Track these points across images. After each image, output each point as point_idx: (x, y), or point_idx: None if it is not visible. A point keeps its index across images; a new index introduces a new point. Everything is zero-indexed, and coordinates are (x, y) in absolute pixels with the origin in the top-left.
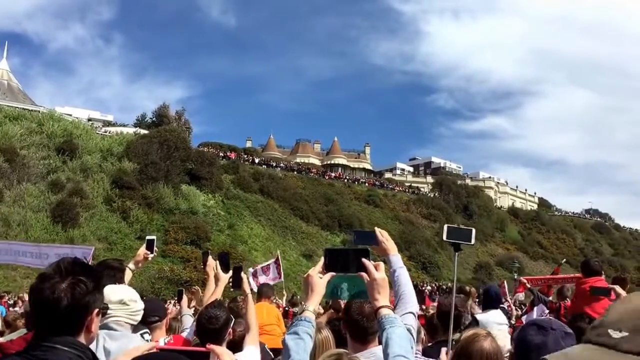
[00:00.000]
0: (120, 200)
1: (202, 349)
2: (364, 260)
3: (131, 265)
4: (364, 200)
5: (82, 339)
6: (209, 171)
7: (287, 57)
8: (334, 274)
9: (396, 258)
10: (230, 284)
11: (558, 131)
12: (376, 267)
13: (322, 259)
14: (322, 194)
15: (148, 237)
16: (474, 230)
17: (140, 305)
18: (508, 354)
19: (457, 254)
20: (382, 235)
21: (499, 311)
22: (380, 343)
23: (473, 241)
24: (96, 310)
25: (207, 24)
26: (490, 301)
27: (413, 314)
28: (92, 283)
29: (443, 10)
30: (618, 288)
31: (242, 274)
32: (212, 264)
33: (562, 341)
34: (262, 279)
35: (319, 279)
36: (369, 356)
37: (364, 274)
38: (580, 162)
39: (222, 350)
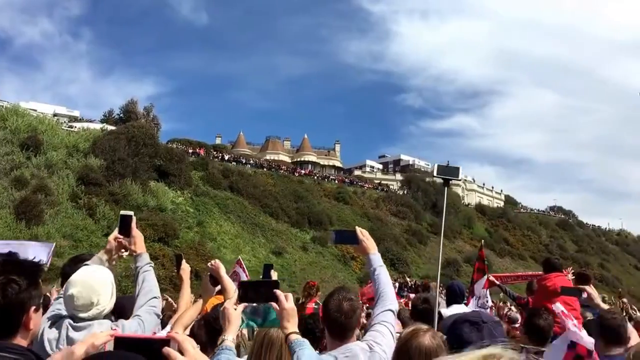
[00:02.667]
0: (86, 197)
1: (163, 336)
2: (276, 291)
3: (102, 255)
4: (334, 197)
5: (19, 338)
6: (178, 168)
7: (258, 55)
8: (246, 304)
9: (376, 257)
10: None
11: (524, 130)
12: (286, 298)
13: (236, 291)
14: (291, 191)
15: (122, 213)
16: (461, 168)
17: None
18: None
19: (446, 188)
20: (363, 234)
21: (462, 306)
22: (357, 339)
23: (460, 176)
24: (33, 308)
25: (177, 21)
26: (454, 296)
27: (392, 311)
28: (25, 281)
29: (412, 11)
30: (589, 288)
31: (273, 272)
32: (187, 268)
33: (494, 331)
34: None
35: (234, 311)
36: (345, 351)
37: (274, 304)
38: (545, 161)
39: (182, 337)
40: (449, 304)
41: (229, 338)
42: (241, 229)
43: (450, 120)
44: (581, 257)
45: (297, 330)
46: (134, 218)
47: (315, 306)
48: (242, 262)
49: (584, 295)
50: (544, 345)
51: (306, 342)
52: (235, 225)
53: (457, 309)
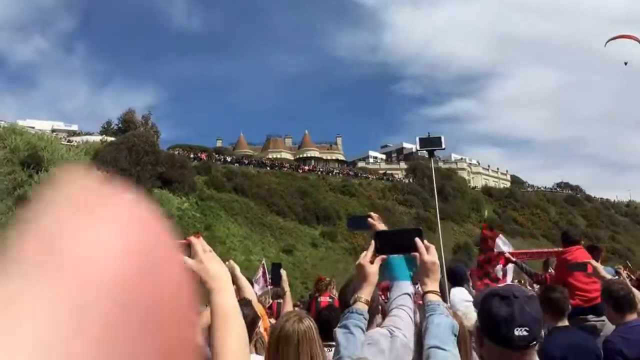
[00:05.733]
0: None
1: (184, 241)
2: (417, 240)
3: None
4: (339, 191)
5: None
6: (181, 173)
7: (253, 55)
8: (385, 257)
9: None
10: (270, 280)
11: (525, 110)
12: (427, 249)
13: (372, 242)
14: (297, 188)
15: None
16: (442, 136)
17: None
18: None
19: (432, 159)
20: (374, 219)
21: (464, 288)
22: (377, 326)
23: (444, 145)
24: None
25: (171, 28)
26: (456, 279)
27: (409, 294)
28: None
29: (402, 0)
30: (593, 261)
31: (282, 271)
32: None
33: (527, 306)
34: (256, 288)
35: (370, 267)
36: (367, 339)
37: (417, 254)
38: (548, 138)
39: (197, 240)
40: (451, 286)
41: (363, 299)
42: (249, 229)
43: (450, 105)
44: (592, 231)
45: (436, 290)
46: None
47: (330, 300)
48: (265, 267)
49: (589, 269)
50: (562, 319)
51: (441, 305)
52: (243, 227)
53: (459, 291)
